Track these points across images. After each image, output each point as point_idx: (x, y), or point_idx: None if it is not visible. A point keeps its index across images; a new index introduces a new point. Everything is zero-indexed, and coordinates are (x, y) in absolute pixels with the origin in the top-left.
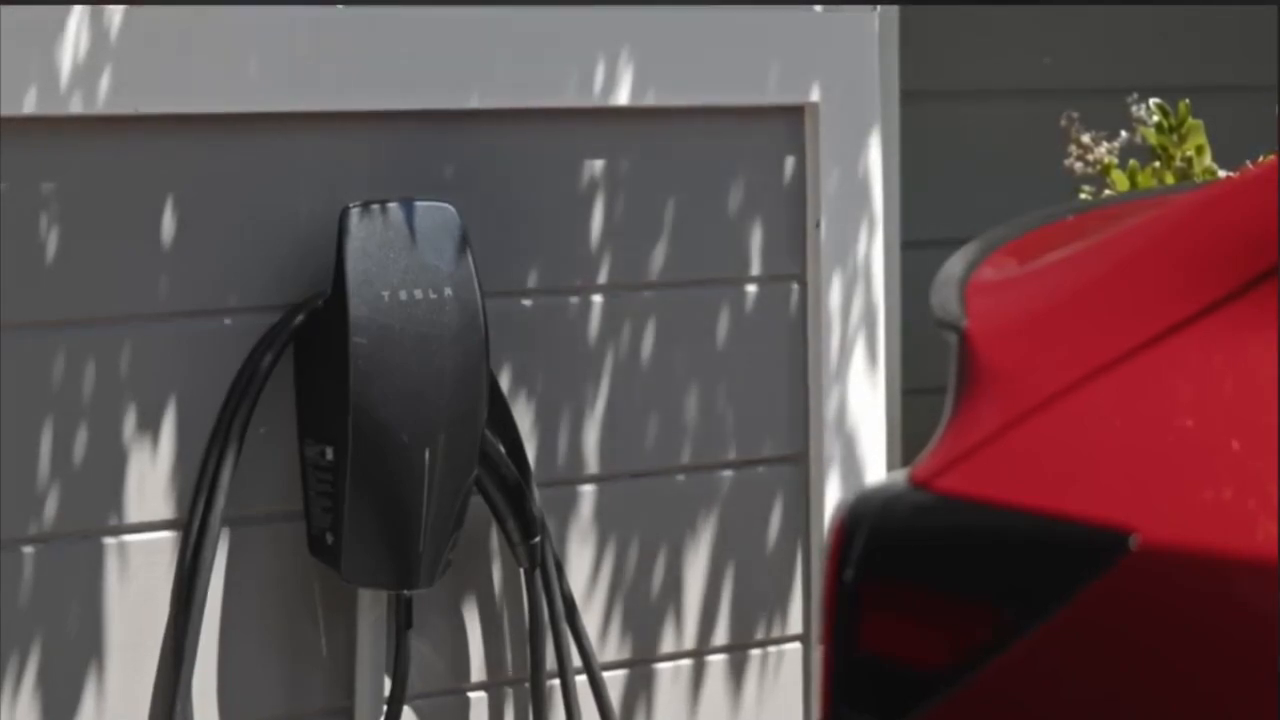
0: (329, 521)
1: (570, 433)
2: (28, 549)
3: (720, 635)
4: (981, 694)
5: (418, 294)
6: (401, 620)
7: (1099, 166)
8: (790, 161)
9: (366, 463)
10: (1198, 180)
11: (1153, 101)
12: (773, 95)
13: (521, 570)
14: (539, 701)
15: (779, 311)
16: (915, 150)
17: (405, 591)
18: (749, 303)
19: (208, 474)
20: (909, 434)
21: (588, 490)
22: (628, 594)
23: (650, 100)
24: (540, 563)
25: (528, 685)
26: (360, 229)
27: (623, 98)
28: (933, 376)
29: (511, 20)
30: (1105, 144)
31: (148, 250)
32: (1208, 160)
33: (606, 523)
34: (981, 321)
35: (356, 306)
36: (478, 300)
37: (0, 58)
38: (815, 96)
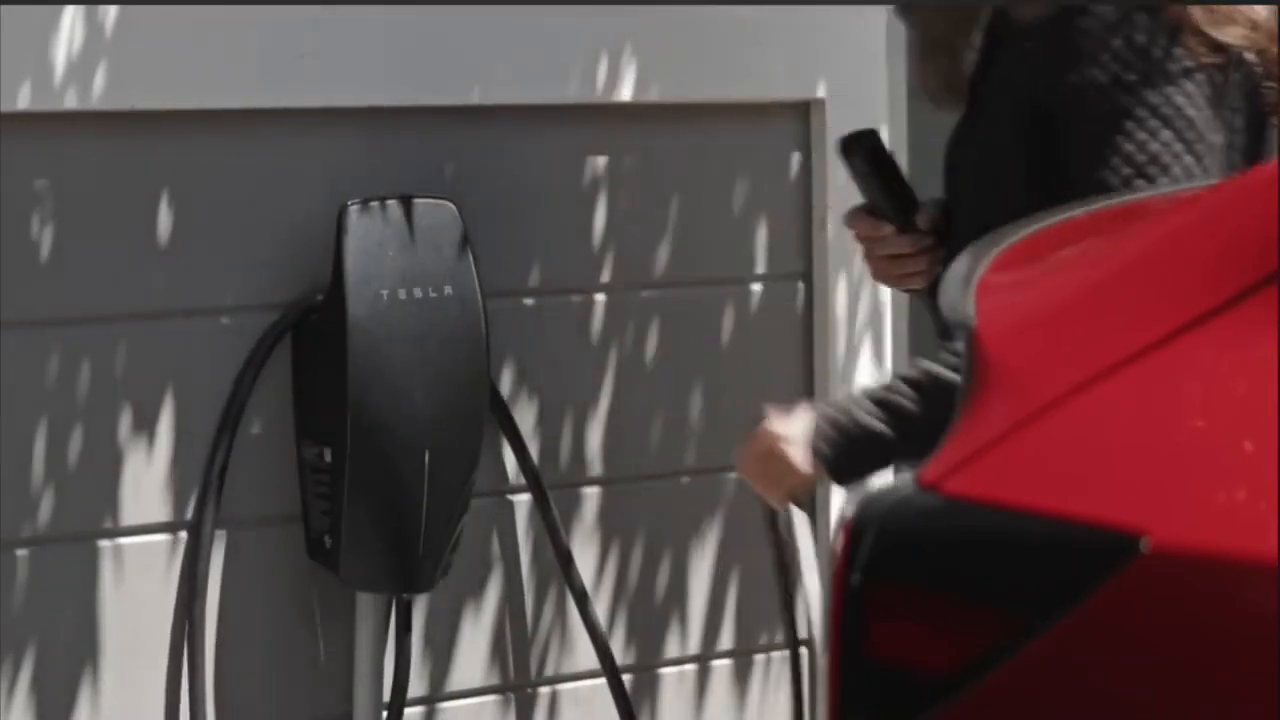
0: (327, 524)
1: (573, 434)
2: (22, 552)
3: (725, 640)
4: (990, 698)
5: (417, 293)
6: (401, 624)
7: None
8: (796, 158)
9: (365, 464)
10: None
11: None
12: (778, 91)
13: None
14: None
15: (784, 310)
16: (922, 147)
17: (404, 595)
18: (754, 302)
19: (204, 476)
20: None
21: (591, 492)
22: (631, 598)
23: (654, 96)
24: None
25: (538, 689)
26: (359, 226)
27: (626, 94)
28: None
29: (513, 16)
30: None
31: (144, 248)
32: None
33: (610, 525)
34: (991, 321)
35: (355, 305)
36: (478, 299)
37: None
38: (821, 93)
